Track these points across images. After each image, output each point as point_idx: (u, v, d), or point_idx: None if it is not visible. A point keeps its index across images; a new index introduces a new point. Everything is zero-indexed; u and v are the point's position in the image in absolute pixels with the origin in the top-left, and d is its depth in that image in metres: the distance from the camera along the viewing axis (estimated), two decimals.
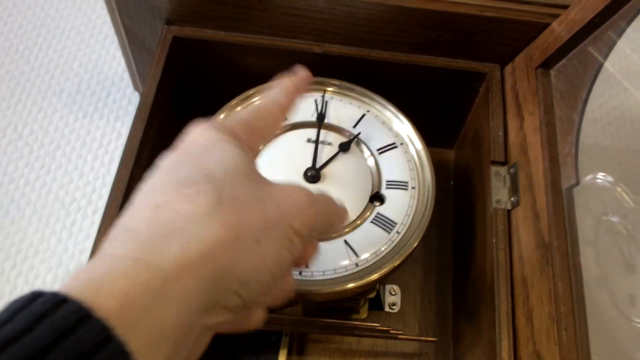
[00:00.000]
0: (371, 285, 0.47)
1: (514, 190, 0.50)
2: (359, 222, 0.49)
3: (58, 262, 0.63)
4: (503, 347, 0.44)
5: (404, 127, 0.54)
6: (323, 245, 0.47)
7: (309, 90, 0.55)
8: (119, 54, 0.77)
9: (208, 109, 0.53)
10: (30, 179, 0.68)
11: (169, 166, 0.30)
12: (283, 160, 0.51)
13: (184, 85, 0.62)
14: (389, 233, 0.48)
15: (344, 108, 0.55)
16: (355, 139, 0.52)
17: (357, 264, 0.46)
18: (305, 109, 0.54)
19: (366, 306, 0.54)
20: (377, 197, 0.50)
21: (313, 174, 0.50)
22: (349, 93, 0.56)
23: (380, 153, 0.52)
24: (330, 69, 0.57)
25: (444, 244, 0.63)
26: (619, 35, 0.52)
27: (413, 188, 0.51)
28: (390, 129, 0.54)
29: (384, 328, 0.51)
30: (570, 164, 0.48)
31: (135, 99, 0.75)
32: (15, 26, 0.81)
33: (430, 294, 0.60)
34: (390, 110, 0.54)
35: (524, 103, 0.54)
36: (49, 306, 0.21)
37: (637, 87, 0.70)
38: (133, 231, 0.26)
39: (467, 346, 0.53)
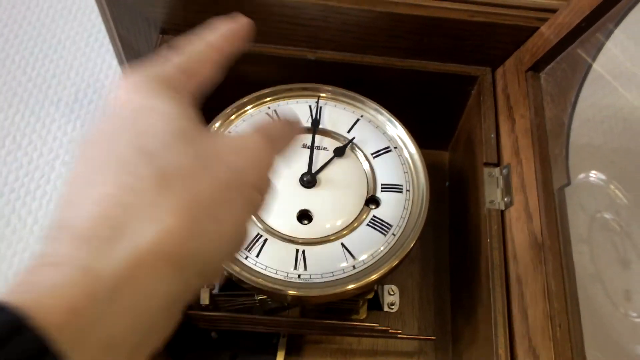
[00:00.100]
0: (369, 287, 0.48)
1: (507, 191, 0.51)
2: (355, 225, 0.50)
3: None
4: (499, 343, 0.45)
5: (397, 131, 0.55)
6: (320, 248, 0.48)
7: (303, 96, 0.57)
8: (115, 62, 0.78)
9: (204, 117, 0.54)
10: (31, 189, 0.69)
11: (101, 141, 0.26)
12: (280, 165, 0.52)
13: None
14: (385, 235, 0.49)
15: (338, 113, 0.56)
16: (350, 144, 0.53)
17: (354, 266, 0.47)
18: (300, 115, 0.55)
19: (365, 307, 0.55)
20: (372, 200, 0.51)
21: (309, 179, 0.51)
22: (342, 98, 0.57)
23: (374, 157, 0.53)
24: (324, 75, 0.58)
25: (441, 244, 0.64)
26: (607, 37, 0.53)
27: (408, 191, 0.52)
28: (384, 133, 0.55)
29: (383, 328, 0.52)
30: (561, 164, 0.49)
31: None
32: (11, 36, 0.82)
33: (428, 294, 0.61)
34: (384, 115, 0.55)
35: (515, 105, 0.55)
36: None
37: (626, 87, 0.71)
38: (76, 231, 0.23)
39: (465, 344, 0.54)
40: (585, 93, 0.56)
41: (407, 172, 0.53)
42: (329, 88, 0.57)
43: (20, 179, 0.70)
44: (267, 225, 0.49)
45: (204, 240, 0.25)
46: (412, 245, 0.48)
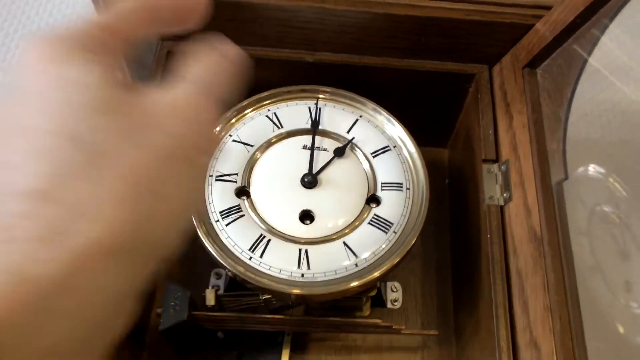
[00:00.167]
0: (371, 284, 0.49)
1: (506, 186, 0.52)
2: (357, 223, 0.50)
3: None
4: (501, 336, 0.46)
5: (396, 130, 0.55)
6: (323, 247, 0.49)
7: (302, 98, 0.57)
8: None
9: None
10: None
11: (12, 127, 0.23)
12: (281, 167, 0.53)
13: None
14: (386, 233, 0.50)
15: (338, 114, 0.56)
16: (350, 144, 0.54)
17: (356, 264, 0.48)
18: (300, 117, 0.56)
19: (368, 304, 0.56)
20: (373, 199, 0.52)
21: (310, 180, 0.51)
22: (341, 99, 0.57)
23: (374, 156, 0.54)
24: (323, 77, 0.58)
25: (442, 242, 0.65)
26: (603, 32, 0.54)
27: (408, 189, 0.52)
28: (383, 132, 0.55)
29: (386, 324, 0.53)
30: (559, 159, 0.50)
31: None
32: (11, 30, 0.82)
33: (430, 290, 0.62)
34: (382, 115, 0.56)
35: (512, 102, 0.56)
36: None
37: (623, 81, 0.71)
38: (10, 233, 0.20)
39: (468, 337, 0.55)
40: (582, 88, 0.56)
41: (406, 171, 0.53)
42: (328, 89, 0.57)
43: None
44: (270, 226, 0.50)
45: (150, 223, 0.23)
46: (413, 242, 0.49)
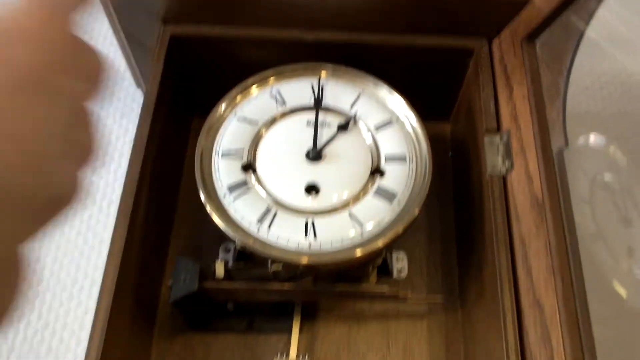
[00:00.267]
0: (377, 252, 0.50)
1: (507, 156, 0.53)
2: (361, 195, 0.51)
3: (80, 253, 0.66)
4: (505, 298, 0.47)
5: (398, 104, 0.56)
6: (329, 218, 0.50)
7: (304, 76, 0.58)
8: (118, 54, 0.79)
9: (210, 101, 0.56)
10: None
11: None
12: (285, 144, 0.54)
13: (185, 80, 0.65)
14: (391, 203, 0.51)
15: (340, 90, 0.57)
16: (353, 119, 0.55)
17: (362, 234, 0.49)
18: (303, 94, 0.57)
19: (375, 273, 0.57)
20: (377, 171, 0.53)
21: (315, 154, 0.52)
22: (343, 75, 0.58)
23: (377, 130, 0.55)
24: (323, 56, 0.59)
25: (446, 214, 0.66)
26: (599, 3, 0.55)
27: (411, 160, 0.53)
28: (385, 106, 0.56)
29: (392, 293, 0.54)
30: (559, 127, 0.51)
31: (138, 96, 0.78)
32: None
33: (435, 261, 0.63)
34: (384, 88, 0.57)
35: (512, 74, 0.57)
36: None
37: (622, 53, 0.72)
38: None
39: (473, 303, 0.56)
40: (581, 60, 0.57)
41: (409, 143, 0.54)
42: (330, 66, 0.58)
43: None
44: (277, 198, 0.51)
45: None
46: (417, 212, 0.50)
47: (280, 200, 0.51)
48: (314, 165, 0.52)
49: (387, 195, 0.51)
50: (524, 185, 0.50)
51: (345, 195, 0.51)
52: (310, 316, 0.59)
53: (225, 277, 0.53)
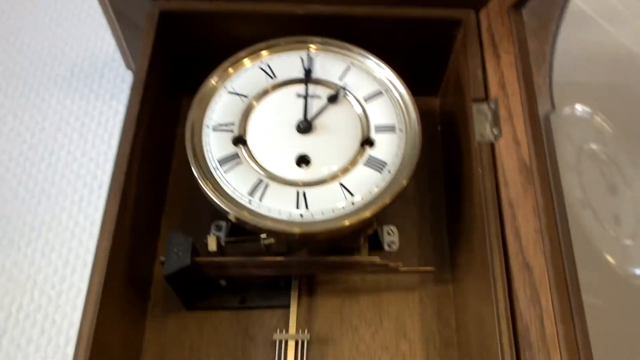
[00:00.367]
0: (369, 221, 0.50)
1: (495, 123, 0.54)
2: (352, 165, 0.52)
3: (71, 235, 0.66)
4: (495, 263, 0.47)
5: (386, 75, 0.57)
6: (320, 189, 0.50)
7: (294, 49, 0.58)
8: (107, 35, 0.79)
9: (199, 80, 0.56)
10: (35, 161, 0.71)
11: None
12: (277, 115, 0.54)
13: (175, 57, 0.64)
14: (381, 173, 0.51)
15: (329, 63, 0.57)
16: (342, 90, 0.55)
17: (353, 203, 0.50)
18: (292, 67, 0.57)
19: (366, 246, 0.58)
20: (367, 142, 0.53)
21: (305, 125, 0.53)
22: (332, 48, 0.58)
23: (367, 101, 0.55)
24: (313, 28, 0.59)
25: (436, 187, 0.66)
26: None
27: (400, 130, 0.54)
28: (374, 78, 0.57)
29: (384, 262, 0.54)
30: (545, 92, 0.51)
31: (128, 77, 0.77)
32: (3, 18, 0.83)
33: (426, 233, 0.63)
34: (372, 60, 0.57)
35: (500, 43, 0.57)
36: None
37: (609, 23, 0.73)
38: None
39: (463, 272, 0.57)
40: (568, 29, 0.58)
41: (398, 113, 0.55)
42: (318, 39, 0.58)
43: (25, 152, 0.72)
44: (268, 171, 0.51)
45: None
46: (407, 180, 0.51)
47: (271, 173, 0.51)
48: (305, 137, 0.53)
49: (377, 164, 0.52)
50: (511, 150, 0.51)
51: (336, 165, 0.52)
52: (303, 292, 0.59)
53: (218, 252, 0.53)
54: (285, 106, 0.55)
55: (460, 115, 0.60)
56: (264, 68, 0.57)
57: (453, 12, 0.61)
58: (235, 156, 0.52)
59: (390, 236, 0.60)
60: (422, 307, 0.60)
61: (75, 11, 0.84)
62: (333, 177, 0.51)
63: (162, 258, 0.52)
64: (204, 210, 0.59)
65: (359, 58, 0.58)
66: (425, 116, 0.55)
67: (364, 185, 0.50)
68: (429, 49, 0.65)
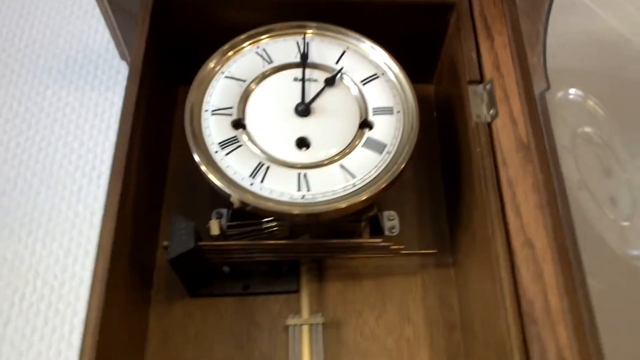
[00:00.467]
0: (370, 201, 0.51)
1: (492, 104, 0.54)
2: (351, 147, 0.52)
3: (71, 225, 0.67)
4: (497, 241, 0.48)
5: (382, 57, 0.57)
6: (321, 171, 0.51)
7: (290, 34, 0.59)
8: (101, 27, 0.79)
9: (196, 66, 0.56)
10: (33, 153, 0.71)
11: None
12: (275, 99, 0.54)
13: (171, 45, 0.64)
14: (380, 154, 0.52)
15: (325, 47, 0.58)
16: (340, 74, 0.56)
17: (354, 184, 0.50)
18: (289, 51, 0.57)
19: (367, 230, 0.58)
20: (365, 124, 0.54)
21: (303, 109, 0.53)
22: (327, 33, 0.59)
23: (364, 84, 0.56)
24: (308, 14, 0.59)
25: (434, 173, 0.67)
26: None
27: (398, 112, 0.54)
28: (370, 61, 0.57)
29: (385, 244, 0.55)
30: (540, 71, 0.52)
31: (123, 68, 0.77)
32: None
33: (426, 217, 0.64)
34: (366, 43, 0.58)
35: (493, 25, 0.58)
36: None
37: (598, 6, 0.73)
38: None
39: (465, 254, 0.57)
40: (560, 14, 0.58)
41: (396, 95, 0.55)
42: (314, 24, 0.59)
43: (22, 144, 0.72)
44: (268, 153, 0.51)
45: None
46: (407, 160, 0.51)
47: (271, 155, 0.51)
48: (304, 120, 0.53)
49: (376, 146, 0.52)
50: (509, 129, 0.51)
51: (335, 148, 0.52)
52: (311, 277, 0.59)
53: (220, 237, 0.53)
54: (283, 90, 0.55)
55: (456, 99, 0.61)
56: (260, 53, 0.57)
57: None
58: (235, 139, 0.52)
59: (391, 221, 0.61)
60: (424, 291, 0.60)
61: (67, 3, 0.84)
62: (333, 159, 0.52)
63: (165, 243, 0.52)
64: (204, 199, 0.59)
65: (355, 42, 0.58)
66: (420, 103, 0.56)
67: (365, 166, 0.51)
68: (423, 35, 0.66)
